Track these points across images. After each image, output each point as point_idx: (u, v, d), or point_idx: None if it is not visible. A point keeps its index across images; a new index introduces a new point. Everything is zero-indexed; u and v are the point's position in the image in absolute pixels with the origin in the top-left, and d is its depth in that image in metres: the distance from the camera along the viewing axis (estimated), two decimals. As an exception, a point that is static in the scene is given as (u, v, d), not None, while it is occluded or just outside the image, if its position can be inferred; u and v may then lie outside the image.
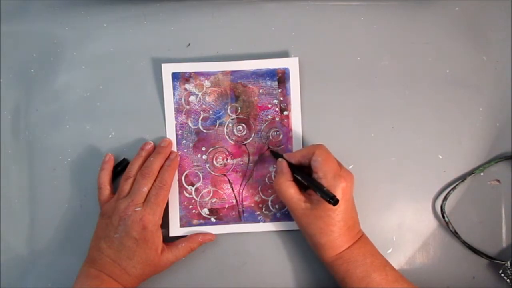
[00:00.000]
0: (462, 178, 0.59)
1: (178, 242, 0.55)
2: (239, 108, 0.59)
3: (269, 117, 0.59)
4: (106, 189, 0.56)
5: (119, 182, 0.56)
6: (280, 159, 0.55)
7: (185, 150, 0.59)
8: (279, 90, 0.59)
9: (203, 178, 0.58)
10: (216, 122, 0.59)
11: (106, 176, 0.57)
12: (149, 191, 0.54)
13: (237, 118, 0.59)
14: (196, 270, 0.58)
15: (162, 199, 0.54)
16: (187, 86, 0.59)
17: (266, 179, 0.58)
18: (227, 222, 0.58)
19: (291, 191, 0.52)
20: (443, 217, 0.58)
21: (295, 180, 0.53)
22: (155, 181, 0.55)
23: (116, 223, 0.52)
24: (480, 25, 0.61)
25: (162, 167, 0.56)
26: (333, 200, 0.48)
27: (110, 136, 0.59)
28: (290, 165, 0.54)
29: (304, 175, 0.52)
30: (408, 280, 0.52)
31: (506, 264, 0.57)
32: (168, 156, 0.57)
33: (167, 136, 0.58)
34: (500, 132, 0.60)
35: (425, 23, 0.61)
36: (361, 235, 0.53)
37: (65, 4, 0.61)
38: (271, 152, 0.58)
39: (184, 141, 0.59)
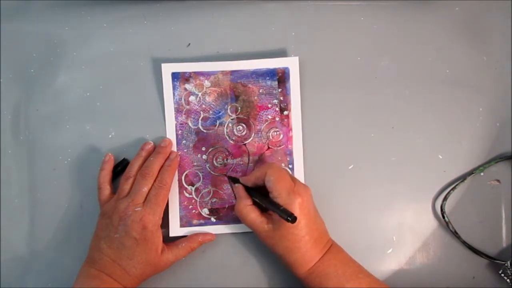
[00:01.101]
0: (462, 178, 0.59)
1: (178, 242, 0.55)
2: (239, 108, 0.59)
3: (269, 117, 0.59)
4: (106, 189, 0.56)
5: (119, 182, 0.56)
6: (236, 185, 0.55)
7: (185, 150, 0.59)
8: (279, 90, 0.59)
9: (203, 178, 0.58)
10: (216, 122, 0.59)
11: (106, 176, 0.57)
12: (149, 191, 0.54)
13: (237, 118, 0.59)
14: (196, 270, 0.58)
15: (162, 199, 0.54)
16: (187, 86, 0.59)
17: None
18: (227, 222, 0.58)
19: (252, 215, 0.52)
20: (443, 217, 0.58)
21: (255, 203, 0.53)
22: (155, 181, 0.55)
23: (116, 223, 0.52)
24: (480, 25, 0.61)
25: (162, 167, 0.56)
26: (291, 218, 0.47)
27: (110, 136, 0.59)
28: (249, 188, 0.54)
29: (261, 197, 0.52)
30: (383, 283, 0.52)
31: (506, 264, 0.56)
32: (168, 156, 0.57)
33: (167, 136, 0.58)
34: (500, 132, 0.60)
35: (425, 23, 0.61)
36: (331, 245, 0.53)
37: (65, 4, 0.61)
38: (228, 178, 0.58)
39: (184, 141, 0.59)
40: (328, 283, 0.50)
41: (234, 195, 0.57)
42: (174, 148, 0.58)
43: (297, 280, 0.52)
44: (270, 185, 0.51)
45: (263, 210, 0.54)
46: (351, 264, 0.52)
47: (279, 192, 0.50)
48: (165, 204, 0.55)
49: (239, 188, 0.55)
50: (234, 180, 0.57)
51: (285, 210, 0.49)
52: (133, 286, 0.53)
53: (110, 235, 0.52)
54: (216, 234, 0.57)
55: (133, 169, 0.56)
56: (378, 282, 0.52)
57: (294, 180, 0.53)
